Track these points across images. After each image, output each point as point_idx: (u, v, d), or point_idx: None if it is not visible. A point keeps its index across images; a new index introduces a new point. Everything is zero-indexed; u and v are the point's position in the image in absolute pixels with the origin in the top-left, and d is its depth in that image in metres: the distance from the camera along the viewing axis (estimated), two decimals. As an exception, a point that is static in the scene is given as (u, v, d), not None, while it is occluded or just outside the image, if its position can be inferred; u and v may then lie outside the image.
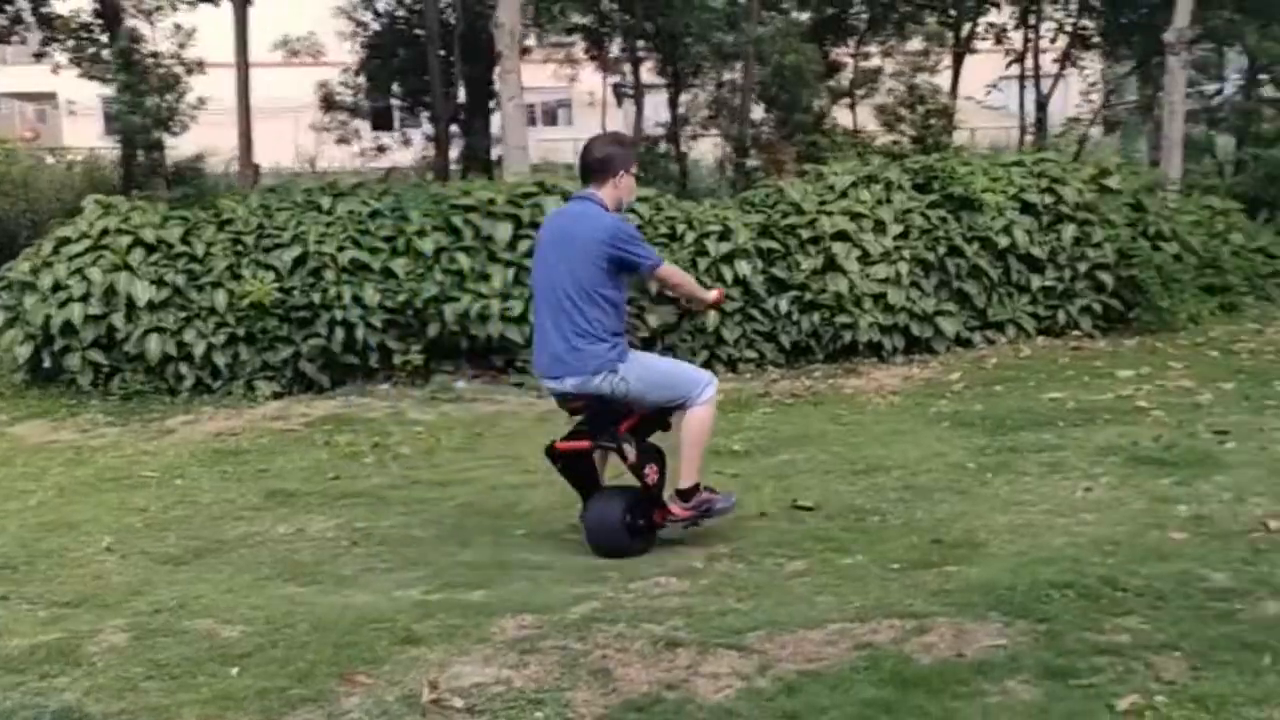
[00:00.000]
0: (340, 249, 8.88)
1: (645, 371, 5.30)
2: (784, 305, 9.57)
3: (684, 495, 5.37)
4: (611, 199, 5.36)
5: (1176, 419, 7.40)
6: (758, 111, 14.76)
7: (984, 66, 17.89)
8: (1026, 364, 9.57)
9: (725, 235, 9.45)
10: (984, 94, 17.61)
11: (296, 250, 8.82)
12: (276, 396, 8.65)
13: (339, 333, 8.70)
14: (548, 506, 6.01)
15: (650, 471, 5.33)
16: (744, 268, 9.37)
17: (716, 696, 3.74)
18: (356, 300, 8.72)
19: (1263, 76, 14.66)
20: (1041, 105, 17.66)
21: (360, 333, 8.73)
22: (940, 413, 7.98)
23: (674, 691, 3.76)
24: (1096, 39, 16.27)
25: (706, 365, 9.46)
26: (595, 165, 5.38)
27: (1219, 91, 15.98)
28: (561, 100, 32.29)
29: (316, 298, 8.68)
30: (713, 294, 5.91)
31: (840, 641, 4.14)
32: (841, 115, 16.65)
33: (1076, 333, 10.55)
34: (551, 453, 5.47)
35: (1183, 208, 12.42)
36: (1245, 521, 5.32)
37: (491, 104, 17.35)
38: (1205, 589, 4.53)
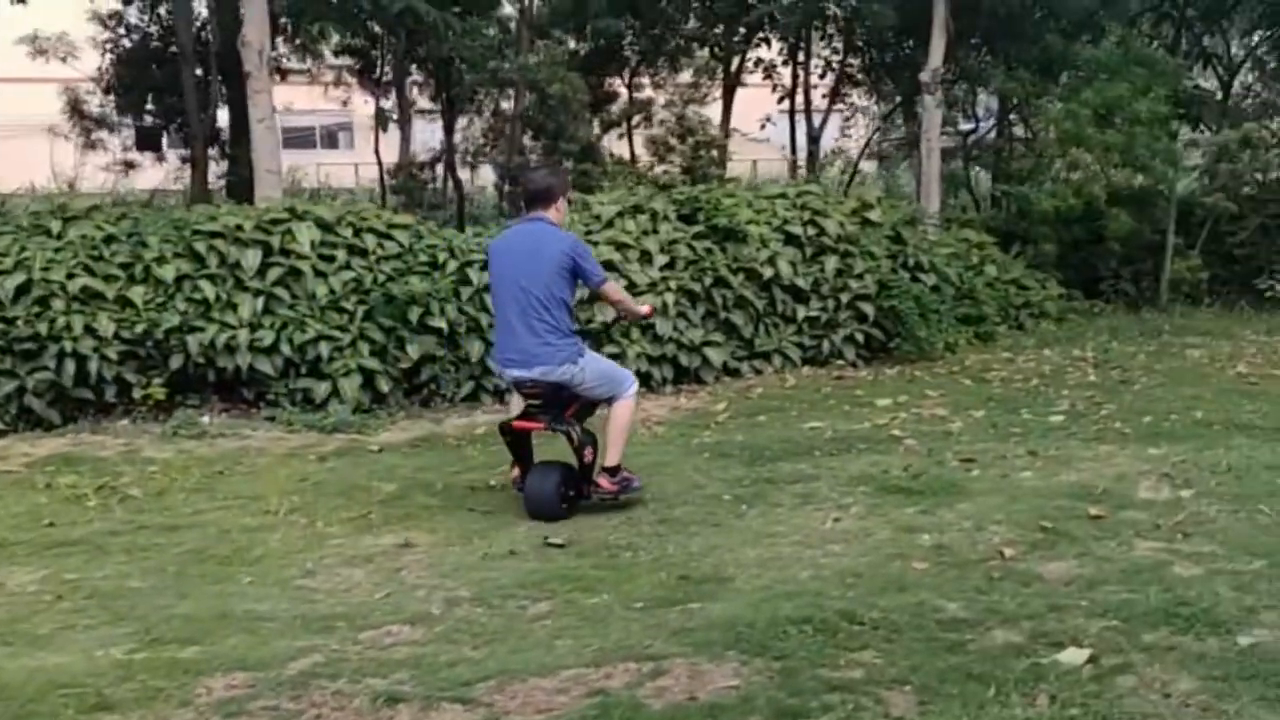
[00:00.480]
0: (70, 276, 8.26)
1: (596, 366, 6.42)
2: (550, 335, 9.40)
3: (611, 472, 6.35)
4: (557, 220, 6.40)
5: (927, 447, 7.57)
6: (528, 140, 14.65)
7: (765, 100, 18.26)
8: (791, 393, 9.68)
9: (488, 264, 9.21)
10: (759, 128, 17.95)
11: (19, 278, 8.15)
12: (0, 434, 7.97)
13: (69, 365, 8.06)
14: (283, 551, 5.66)
15: (588, 452, 6.32)
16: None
17: (433, 757, 3.52)
18: (89, 331, 8.10)
19: (1013, 116, 15.41)
20: (814, 139, 18.11)
21: (94, 365, 8.11)
22: (703, 444, 7.95)
23: (388, 753, 3.52)
24: (861, 77, 16.81)
25: (472, 396, 9.26)
26: (541, 193, 6.38)
27: (974, 129, 16.72)
28: (342, 123, 31.49)
29: (43, 328, 8.03)
30: (644, 309, 7.24)
31: (573, 689, 3.98)
32: (617, 145, 16.71)
33: (840, 362, 10.76)
34: (505, 429, 6.41)
35: (941, 241, 12.90)
36: (983, 550, 5.42)
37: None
38: (939, 620, 4.56)
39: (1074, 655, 4.18)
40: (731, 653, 4.27)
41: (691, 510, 6.29)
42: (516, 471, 6.48)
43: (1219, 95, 17.25)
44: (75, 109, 16.59)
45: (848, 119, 18.13)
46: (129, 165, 17.04)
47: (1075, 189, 13.53)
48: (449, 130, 15.89)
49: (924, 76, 13.32)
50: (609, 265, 9.56)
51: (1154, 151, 13.23)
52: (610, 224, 9.91)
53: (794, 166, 16.55)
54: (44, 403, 8.17)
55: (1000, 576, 5.04)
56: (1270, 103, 19.83)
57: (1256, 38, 17.39)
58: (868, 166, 20.37)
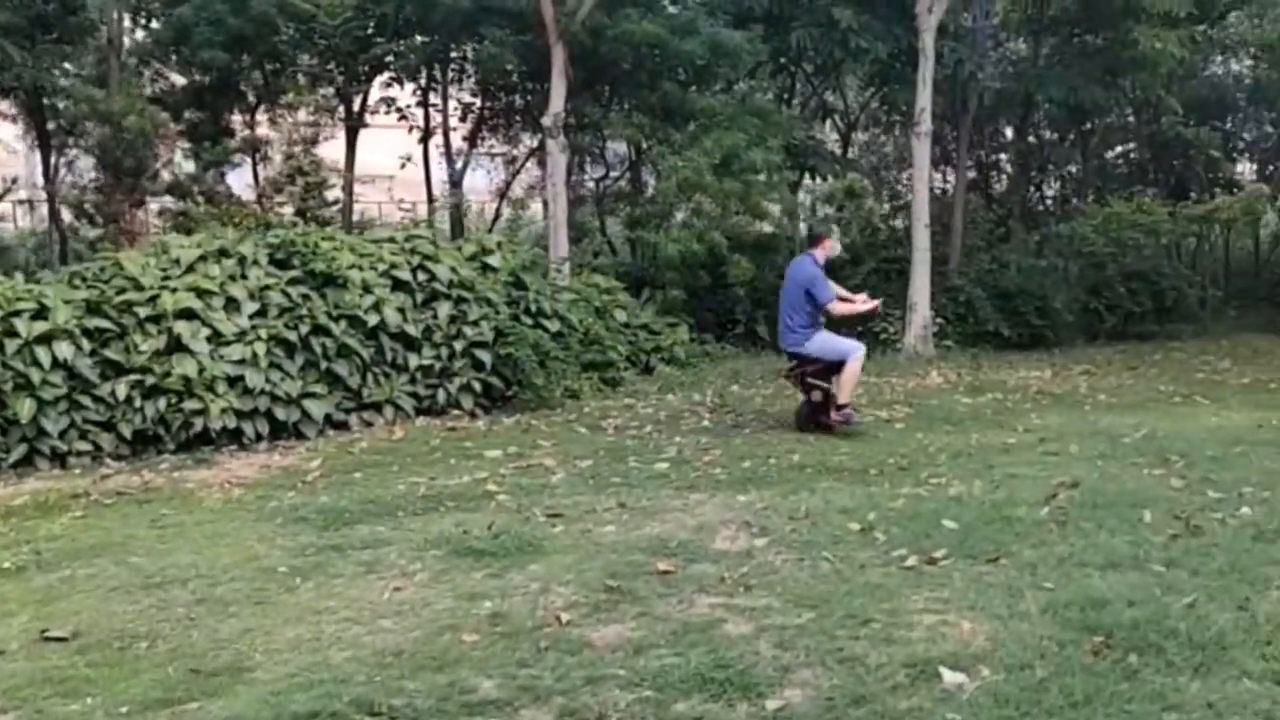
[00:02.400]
0: None
1: (821, 343, 9.65)
2: (122, 391, 8.51)
3: (839, 408, 9.57)
4: (821, 256, 9.84)
5: (519, 503, 7.26)
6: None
7: (409, 140, 17.74)
8: (398, 447, 9.19)
9: (41, 314, 8.26)
10: (399, 167, 17.45)
11: None
12: None
13: None
14: None
15: (815, 394, 9.72)
16: (65, 350, 8.22)
17: None
18: None
19: (645, 164, 15.59)
20: (455, 183, 17.75)
21: None
22: (279, 507, 7.31)
23: None
24: (495, 121, 16.62)
25: (25, 461, 8.25)
26: (810, 238, 10.33)
27: (605, 176, 16.86)
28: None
29: None
30: (868, 305, 10.24)
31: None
32: (236, 183, 15.78)
33: (457, 412, 10.36)
34: (792, 375, 9.93)
35: (569, 286, 12.77)
36: (541, 616, 5.11)
37: None
38: (467, 703, 4.20)
39: (598, 735, 3.89)
40: (214, 762, 3.73)
41: (238, 587, 5.67)
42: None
43: (839, 148, 18.19)
44: None
45: (453, 167, 17.92)
46: None
47: (698, 235, 13.76)
48: (46, 165, 14.48)
49: (545, 121, 13.22)
50: (187, 314, 8.82)
51: (772, 200, 13.65)
52: (191, 268, 9.11)
53: (431, 209, 16.11)
54: None
55: (548, 646, 4.73)
56: (888, 155, 21.21)
57: (869, 94, 18.43)
58: (525, 211, 20.27)
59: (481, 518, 6.86)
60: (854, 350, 9.63)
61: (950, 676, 4.17)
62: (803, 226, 15.96)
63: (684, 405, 11.18)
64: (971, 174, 20.91)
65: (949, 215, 17.63)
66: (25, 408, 7.99)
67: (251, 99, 15.70)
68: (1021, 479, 7.58)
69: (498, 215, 17.79)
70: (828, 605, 5.06)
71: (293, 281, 9.48)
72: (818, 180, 16.10)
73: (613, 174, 16.97)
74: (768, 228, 15.64)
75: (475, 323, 10.43)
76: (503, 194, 17.70)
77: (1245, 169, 24.09)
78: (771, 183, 13.94)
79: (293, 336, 9.23)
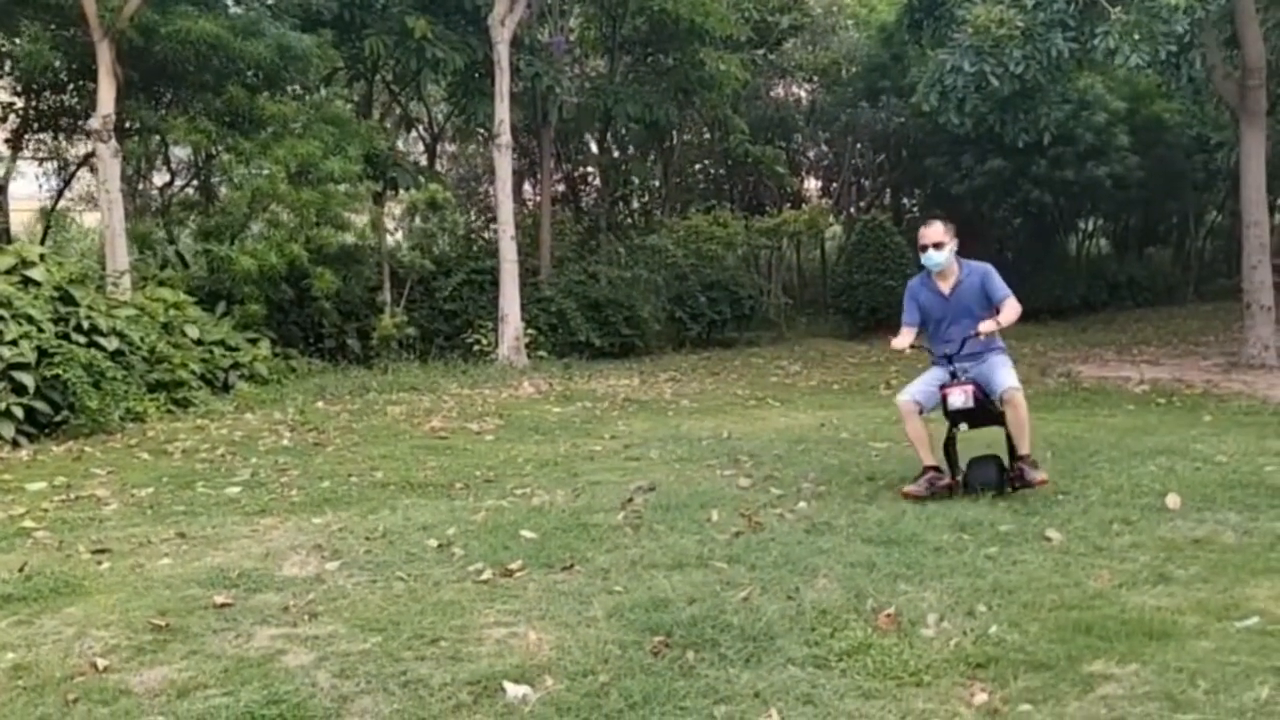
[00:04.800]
0: None
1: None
2: None
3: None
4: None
5: (61, 539, 6.55)
6: None
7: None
8: (-89, 485, 8.09)
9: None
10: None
11: None
12: None
13: None
14: None
15: None
16: None
17: None
18: None
19: (217, 171, 14.72)
20: (1, 189, 16.06)
21: None
22: None
23: None
24: (42, 123, 15.13)
25: None
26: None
27: (170, 183, 15.80)
28: None
29: None
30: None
31: None
32: None
33: (-2, 439, 9.29)
34: None
35: (132, 301, 11.81)
36: (74, 664, 4.57)
37: None
38: (-29, 775, 3.62)
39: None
40: None
41: None
42: None
43: (425, 159, 18.01)
44: None
45: (41, 166, 16.34)
46: None
47: (276, 247, 13.13)
48: None
49: (93, 123, 12.18)
50: None
51: (356, 210, 13.25)
52: None
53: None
54: None
55: (78, 697, 4.21)
56: (477, 167, 21.26)
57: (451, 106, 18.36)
58: (90, 220, 18.62)
59: (13, 559, 6.12)
60: None
61: (513, 690, 4.06)
62: (391, 238, 15.68)
63: (263, 424, 10.61)
64: (560, 187, 21.38)
65: (538, 227, 17.90)
66: None
67: None
68: (603, 485, 7.68)
69: (49, 225, 16.26)
70: (396, 627, 4.84)
71: None
72: (402, 191, 15.83)
73: (179, 181, 15.93)
74: (351, 239, 15.21)
75: (14, 342, 9.38)
76: (54, 202, 16.16)
77: (812, 185, 26.11)
78: (353, 193, 13.54)
79: None
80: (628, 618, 4.77)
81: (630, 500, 7.10)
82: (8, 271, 9.78)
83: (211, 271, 13.77)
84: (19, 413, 9.39)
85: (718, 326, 18.68)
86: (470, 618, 4.94)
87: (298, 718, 3.94)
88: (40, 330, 9.58)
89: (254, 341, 13.20)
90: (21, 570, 5.83)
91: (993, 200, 21.26)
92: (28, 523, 6.95)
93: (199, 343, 12.20)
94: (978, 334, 6.98)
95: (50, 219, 15.93)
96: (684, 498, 7.15)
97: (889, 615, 4.67)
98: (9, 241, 13.87)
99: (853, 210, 24.46)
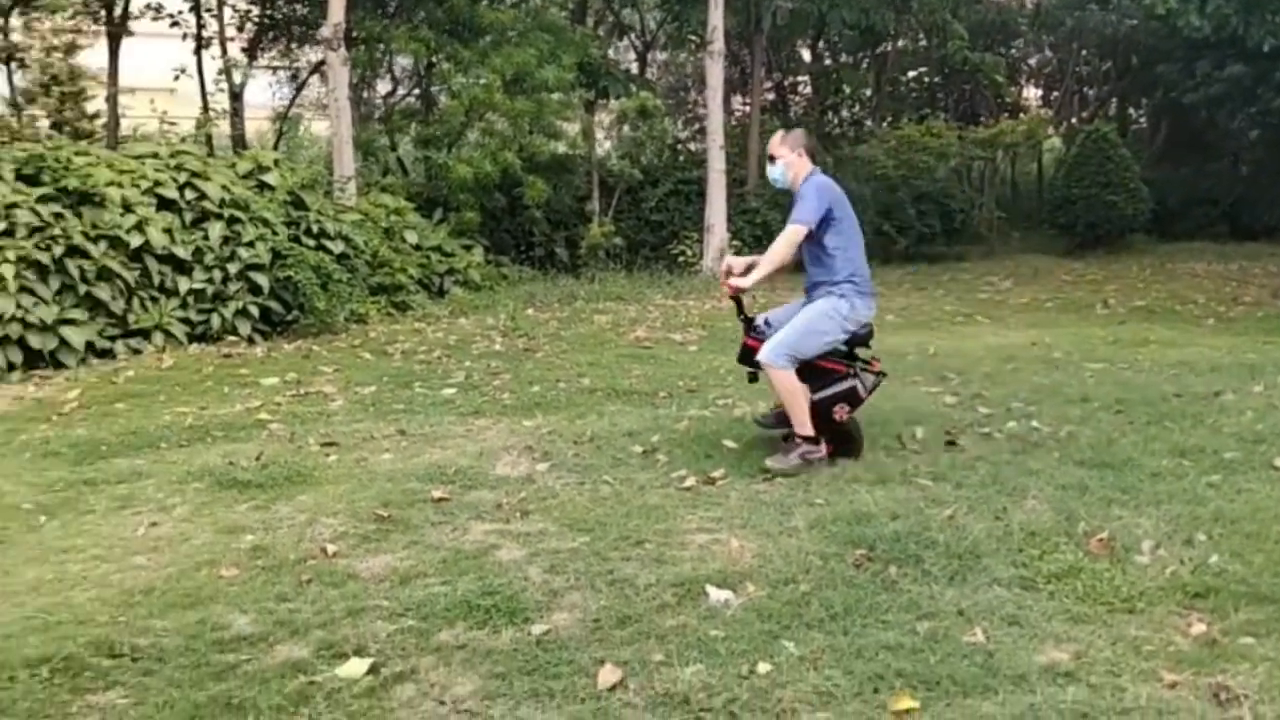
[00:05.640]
0: None
1: None
2: None
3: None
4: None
5: (293, 431, 6.97)
6: None
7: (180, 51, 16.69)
8: (166, 375, 8.72)
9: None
10: (174, 79, 16.46)
11: None
12: None
13: None
14: None
15: None
16: None
17: None
18: None
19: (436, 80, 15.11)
20: (235, 95, 16.90)
21: None
22: (29, 441, 6.85)
23: None
24: (275, 32, 15.79)
25: None
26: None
27: (393, 91, 16.28)
28: None
29: None
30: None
31: None
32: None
33: (234, 338, 9.89)
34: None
35: (356, 206, 12.32)
36: (306, 548, 4.89)
37: None
38: (220, 640, 3.95)
39: (354, 667, 3.72)
40: (-72, 716, 3.42)
41: (-21, 527, 5.26)
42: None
43: (636, 67, 18.02)
44: None
45: (274, 75, 17.09)
46: None
47: (491, 155, 13.44)
48: None
49: (324, 32, 12.63)
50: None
51: (567, 119, 13.41)
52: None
53: (206, 124, 15.26)
54: None
55: (311, 579, 4.51)
56: (687, 76, 21.15)
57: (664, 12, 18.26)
58: (317, 127, 19.44)
59: (251, 448, 6.55)
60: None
61: (716, 594, 4.15)
62: (601, 148, 15.82)
63: (476, 329, 10.97)
64: (770, 96, 21.10)
65: (746, 137, 17.75)
66: None
67: (4, 1, 14.47)
68: (804, 398, 7.67)
69: (280, 132, 17.03)
70: (603, 528, 4.99)
71: (43, 199, 8.81)
72: (613, 100, 15.90)
73: (401, 90, 16.40)
74: (563, 148, 15.42)
75: (251, 244, 9.94)
76: (285, 110, 16.92)
77: (1032, 94, 25.02)
78: (566, 101, 13.68)
79: (45, 258, 8.60)
80: (829, 530, 4.80)
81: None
82: (245, 176, 10.33)
83: (429, 179, 14.21)
84: (255, 312, 9.97)
85: (926, 240, 18.24)
86: (674, 522, 5.05)
87: (511, 609, 4.12)
88: (274, 233, 10.11)
89: (468, 248, 13.59)
90: (258, 459, 6.25)
91: (1229, 110, 19.95)
92: (263, 415, 7.42)
93: (417, 248, 12.65)
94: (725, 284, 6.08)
95: (282, 126, 16.67)
96: (887, 413, 7.07)
97: (1101, 540, 4.55)
98: (244, 147, 14.63)
99: (1074, 121, 23.37)
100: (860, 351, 6.18)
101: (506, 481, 5.84)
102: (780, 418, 6.11)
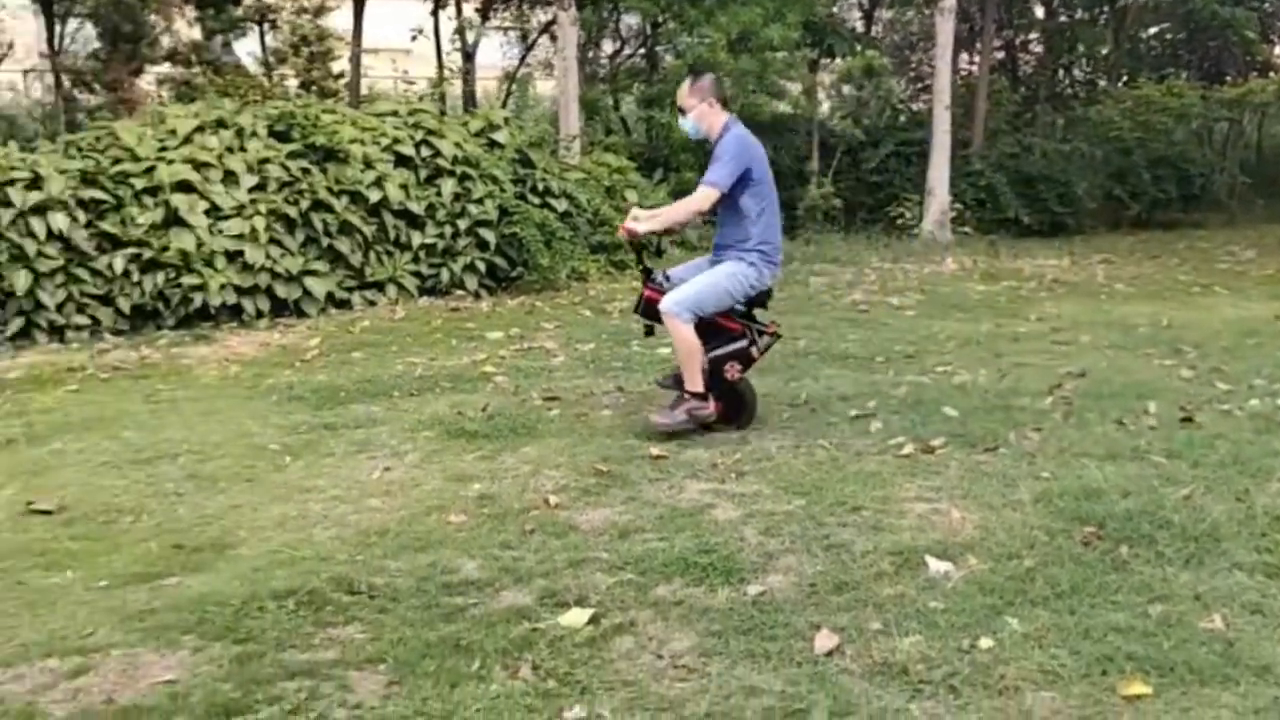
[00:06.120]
0: None
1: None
2: (120, 264, 8.42)
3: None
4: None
5: (517, 385, 7.19)
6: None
7: (417, 13, 17.28)
8: (399, 326, 9.11)
9: (35, 184, 8.13)
10: (411, 40, 17.06)
11: None
12: None
13: None
14: None
15: None
16: (60, 221, 8.11)
17: None
18: None
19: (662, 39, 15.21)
20: (468, 56, 17.40)
21: None
22: (275, 385, 7.28)
23: None
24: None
25: (23, 334, 8.20)
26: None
27: (619, 51, 16.43)
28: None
29: None
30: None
31: (-41, 700, 3.29)
32: (242, 53, 15.46)
33: (461, 292, 10.25)
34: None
35: (580, 165, 12.53)
36: (529, 498, 5.05)
37: None
38: (447, 582, 4.13)
39: (575, 617, 3.84)
40: (189, 638, 3.69)
41: (227, 464, 5.63)
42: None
43: (862, 25, 17.68)
44: None
45: (505, 35, 17.53)
46: None
47: (711, 115, 13.40)
48: (50, 32, 14.16)
49: (553, -10, 12.86)
50: (186, 185, 8.69)
51: (790, 79, 13.29)
52: (188, 139, 8.95)
53: (441, 83, 15.78)
54: None
55: (534, 529, 4.67)
56: (913, 34, 20.61)
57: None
58: (543, 87, 19.85)
59: (477, 399, 6.80)
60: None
61: (936, 565, 4.09)
62: (824, 107, 15.62)
63: (693, 289, 11.02)
64: (998, 54, 20.37)
65: (973, 97, 17.21)
66: (21, 280, 7.92)
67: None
68: (1029, 368, 7.46)
69: (509, 91, 17.46)
70: (819, 492, 4.98)
71: (293, 155, 9.31)
72: (836, 59, 15.64)
73: (627, 50, 16.55)
74: (785, 107, 15.27)
75: (480, 201, 10.25)
76: (515, 69, 17.32)
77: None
78: (790, 60, 13.54)
79: (293, 212, 9.09)
80: (1056, 505, 4.66)
81: (1059, 385, 6.85)
82: (477, 134, 10.65)
83: (650, 138, 14.32)
84: (481, 267, 10.29)
85: (1160, 206, 17.34)
86: (891, 490, 5.00)
87: (727, 568, 4.17)
88: (502, 190, 10.40)
89: (686, 208, 13.65)
90: (484, 410, 6.48)
91: None
92: (488, 368, 7.68)
93: (636, 207, 12.77)
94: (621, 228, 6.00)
95: (511, 85, 17.09)
96: (1118, 386, 6.81)
97: (1355, 530, 4.29)
98: (474, 106, 15.06)
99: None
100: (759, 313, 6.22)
101: (721, 442, 5.88)
102: (679, 378, 6.07)
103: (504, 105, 16.64)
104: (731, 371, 5.97)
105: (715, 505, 4.90)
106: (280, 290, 9.03)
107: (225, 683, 3.40)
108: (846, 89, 16.65)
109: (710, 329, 5.92)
